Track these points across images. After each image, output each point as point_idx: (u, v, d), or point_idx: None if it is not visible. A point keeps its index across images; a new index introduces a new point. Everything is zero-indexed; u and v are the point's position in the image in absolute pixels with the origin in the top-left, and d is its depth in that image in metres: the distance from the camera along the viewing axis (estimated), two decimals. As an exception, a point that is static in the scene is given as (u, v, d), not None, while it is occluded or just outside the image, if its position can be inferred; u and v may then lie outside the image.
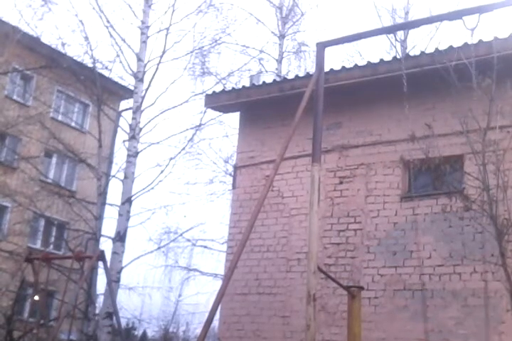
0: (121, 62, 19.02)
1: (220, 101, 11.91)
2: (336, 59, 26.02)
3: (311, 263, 6.09)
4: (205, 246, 20.88)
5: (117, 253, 17.27)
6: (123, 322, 21.87)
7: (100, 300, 18.90)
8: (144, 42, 19.12)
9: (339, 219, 10.18)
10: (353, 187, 10.24)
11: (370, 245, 9.74)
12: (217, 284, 19.26)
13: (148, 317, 27.65)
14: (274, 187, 10.66)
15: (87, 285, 16.05)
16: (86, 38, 18.79)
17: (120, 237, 17.39)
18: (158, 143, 19.42)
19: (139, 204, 20.30)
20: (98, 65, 19.04)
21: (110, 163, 20.93)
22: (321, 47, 6.80)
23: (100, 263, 12.45)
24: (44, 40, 19.92)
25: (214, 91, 12.32)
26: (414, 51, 18.76)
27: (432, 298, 9.00)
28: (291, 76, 14.81)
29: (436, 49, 9.50)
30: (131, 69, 18.97)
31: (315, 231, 6.06)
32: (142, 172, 19.64)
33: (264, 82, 11.68)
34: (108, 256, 14.30)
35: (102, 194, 18.64)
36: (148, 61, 19.16)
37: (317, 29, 32.60)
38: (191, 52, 19.91)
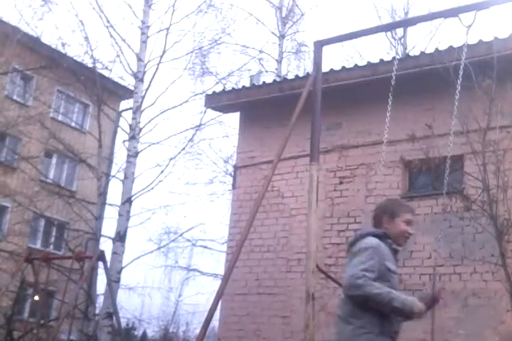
0: (121, 62, 19.00)
1: (220, 101, 11.91)
2: (336, 59, 26.09)
3: (309, 262, 6.09)
4: (205, 246, 20.88)
5: (117, 254, 17.24)
6: (123, 322, 21.86)
7: (100, 300, 18.87)
8: (144, 42, 19.08)
9: (339, 219, 10.18)
10: (353, 187, 10.23)
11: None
12: (217, 284, 19.20)
13: (148, 317, 27.65)
14: (274, 187, 10.65)
15: (87, 285, 16.02)
16: (86, 38, 18.76)
17: (120, 237, 17.37)
18: (158, 143, 19.41)
19: (139, 204, 20.34)
20: (98, 65, 19.02)
21: (110, 163, 20.89)
22: (319, 45, 6.78)
23: (100, 264, 12.42)
24: (44, 40, 19.86)
25: (214, 92, 12.32)
26: (413, 51, 18.77)
27: (432, 298, 8.99)
28: (290, 76, 14.84)
29: (436, 49, 9.50)
30: (131, 69, 18.96)
31: (313, 229, 6.06)
32: (142, 172, 19.65)
33: (264, 82, 11.68)
34: (108, 256, 14.27)
35: (102, 194, 18.61)
36: (149, 61, 19.13)
37: (317, 29, 32.66)
38: (191, 52, 19.89)
